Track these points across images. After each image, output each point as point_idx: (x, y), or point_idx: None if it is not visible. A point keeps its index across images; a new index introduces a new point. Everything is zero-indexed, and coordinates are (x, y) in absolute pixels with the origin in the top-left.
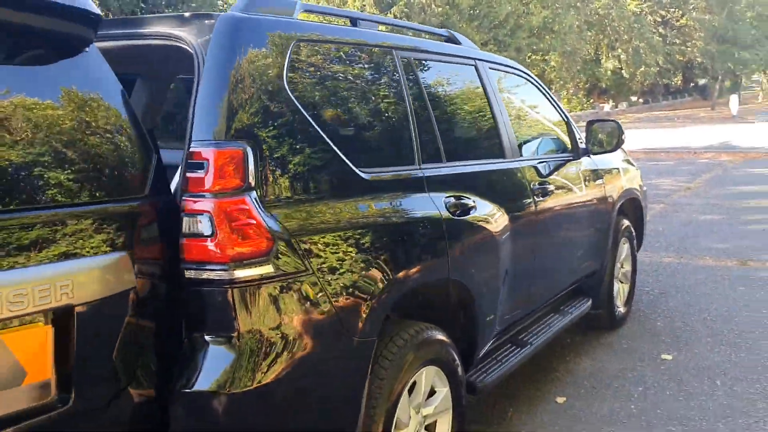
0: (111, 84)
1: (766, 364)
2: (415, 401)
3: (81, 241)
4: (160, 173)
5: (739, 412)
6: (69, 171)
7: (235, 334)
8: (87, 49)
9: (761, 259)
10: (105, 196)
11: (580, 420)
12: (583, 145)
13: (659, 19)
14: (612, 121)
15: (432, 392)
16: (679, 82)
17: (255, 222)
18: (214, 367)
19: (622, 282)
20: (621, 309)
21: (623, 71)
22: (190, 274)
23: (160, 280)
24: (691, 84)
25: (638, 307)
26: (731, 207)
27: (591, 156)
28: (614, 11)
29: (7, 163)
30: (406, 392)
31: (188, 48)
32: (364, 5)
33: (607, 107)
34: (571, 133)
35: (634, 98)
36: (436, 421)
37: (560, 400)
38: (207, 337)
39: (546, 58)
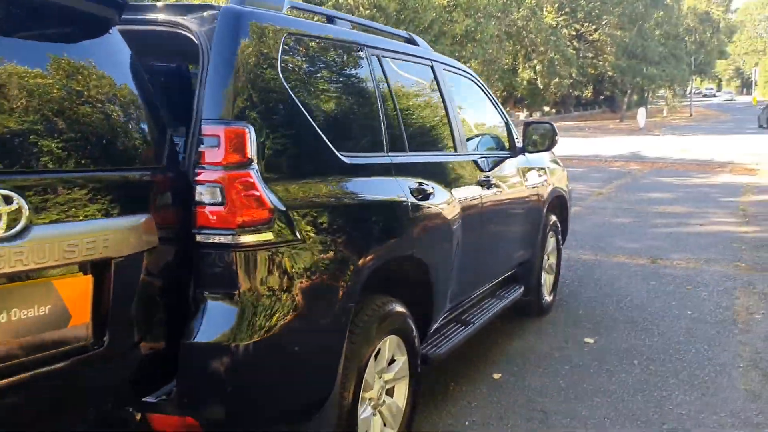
0: (134, 66)
1: (675, 347)
2: (379, 366)
3: (115, 202)
4: (173, 148)
5: (654, 386)
6: (106, 142)
7: (237, 292)
8: (111, 31)
9: (669, 258)
10: (132, 165)
11: (515, 393)
12: (519, 144)
13: (574, 33)
14: (547, 123)
15: (392, 360)
16: (590, 94)
17: (258, 194)
18: (217, 321)
19: (548, 273)
20: (547, 297)
21: (538, 81)
22: (200, 237)
23: (175, 241)
24: (601, 96)
25: (561, 297)
26: (641, 211)
27: (526, 155)
28: (532, 23)
29: (63, 131)
30: (372, 357)
31: (190, 36)
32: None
33: (522, 116)
34: (509, 132)
35: (547, 108)
36: (394, 387)
37: (496, 376)
38: (212, 294)
39: (468, 65)
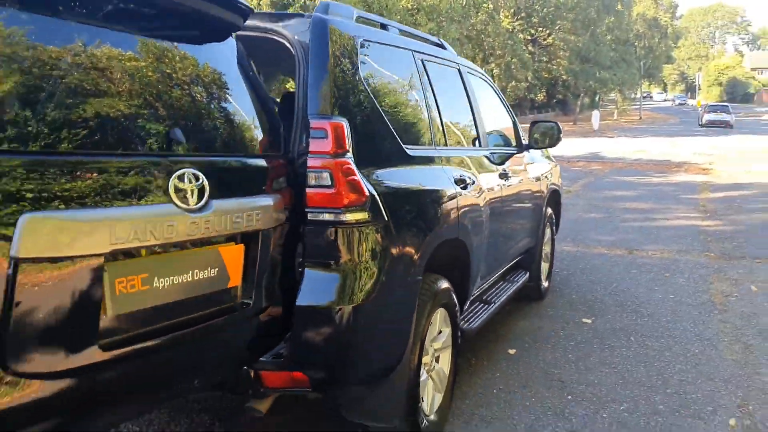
0: (252, 67)
1: (665, 325)
2: (431, 336)
3: (259, 183)
4: (287, 139)
5: (652, 359)
6: (250, 133)
7: (340, 264)
8: (233, 35)
9: (644, 249)
10: (267, 152)
11: (531, 366)
12: (525, 142)
13: (529, 38)
14: (551, 122)
15: (439, 332)
16: (543, 97)
17: (357, 179)
18: (323, 288)
19: (545, 261)
20: (544, 283)
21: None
22: (311, 215)
23: (290, 219)
24: (554, 100)
25: (554, 284)
26: (610, 207)
27: (530, 151)
28: (490, 27)
29: (220, 124)
30: (429, 327)
31: (284, 41)
32: (260, 4)
33: None
34: (516, 130)
35: None
36: (440, 356)
37: (511, 351)
38: (318, 265)
39: None
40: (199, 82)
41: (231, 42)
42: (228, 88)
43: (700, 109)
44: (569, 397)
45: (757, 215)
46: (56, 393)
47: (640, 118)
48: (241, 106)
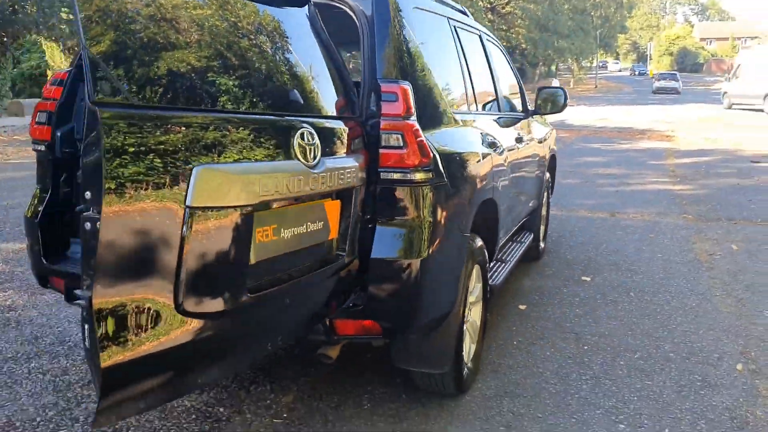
0: (327, 34)
1: (659, 282)
2: (469, 290)
3: (348, 143)
4: (359, 103)
5: (654, 312)
6: (338, 96)
7: (408, 220)
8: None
9: (624, 212)
10: (346, 115)
11: (543, 320)
12: (530, 107)
13: (488, 5)
14: (559, 87)
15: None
16: None
17: (422, 140)
18: (393, 243)
19: (542, 223)
20: (541, 244)
21: None
22: (384, 175)
23: (369, 178)
24: None
25: (548, 245)
26: (584, 173)
27: (534, 117)
28: None
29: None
30: (469, 281)
31: (347, 10)
32: None
33: None
34: (522, 95)
35: None
36: (473, 309)
37: (522, 307)
38: (390, 221)
39: None
40: (299, 48)
41: (312, 8)
42: (319, 54)
43: (652, 78)
44: (585, 347)
45: (724, 180)
46: (212, 332)
47: (596, 86)
48: (330, 71)
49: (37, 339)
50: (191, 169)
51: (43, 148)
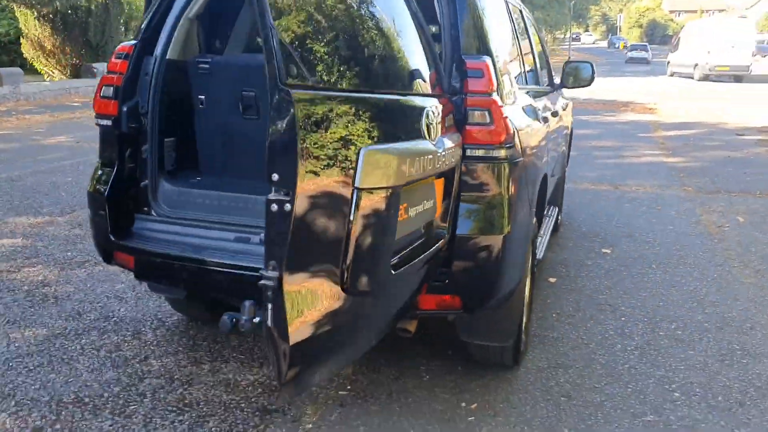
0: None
1: (677, 254)
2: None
3: (443, 120)
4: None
5: (680, 284)
6: (431, 77)
7: (492, 196)
8: None
9: (627, 184)
10: (442, 92)
11: (575, 292)
12: (556, 81)
13: None
14: (586, 61)
15: None
16: None
17: (506, 116)
18: (477, 219)
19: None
20: (559, 217)
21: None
22: (470, 152)
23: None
24: None
25: (562, 218)
26: (581, 147)
27: (561, 90)
28: None
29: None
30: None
31: None
32: None
33: None
34: (548, 69)
35: None
36: None
37: (552, 280)
38: (476, 197)
39: None
40: (406, 24)
41: None
42: (415, 29)
43: (624, 50)
44: (623, 318)
45: (715, 152)
46: (365, 309)
47: (569, 59)
48: (424, 47)
49: (80, 315)
50: (359, 151)
51: (109, 122)
